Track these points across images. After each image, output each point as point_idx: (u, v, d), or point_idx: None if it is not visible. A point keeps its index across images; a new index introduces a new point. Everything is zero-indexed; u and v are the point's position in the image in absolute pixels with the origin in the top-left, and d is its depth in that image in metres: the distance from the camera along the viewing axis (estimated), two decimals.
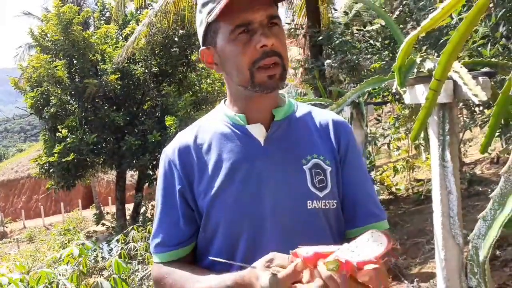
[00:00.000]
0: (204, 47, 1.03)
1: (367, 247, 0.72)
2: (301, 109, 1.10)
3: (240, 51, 0.95)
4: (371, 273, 0.69)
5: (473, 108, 4.21)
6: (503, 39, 2.47)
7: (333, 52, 6.05)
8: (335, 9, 8.63)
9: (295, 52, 10.90)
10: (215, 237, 1.00)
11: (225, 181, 0.98)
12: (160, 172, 1.08)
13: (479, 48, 2.49)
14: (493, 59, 2.08)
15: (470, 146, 8.35)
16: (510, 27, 2.49)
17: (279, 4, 1.01)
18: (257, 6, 0.94)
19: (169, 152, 1.06)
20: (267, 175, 0.98)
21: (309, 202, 0.98)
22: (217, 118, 1.07)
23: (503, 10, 2.44)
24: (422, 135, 3.40)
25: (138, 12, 11.14)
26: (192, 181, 1.02)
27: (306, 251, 0.76)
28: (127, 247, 3.62)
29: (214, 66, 1.03)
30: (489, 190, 5.69)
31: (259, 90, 0.97)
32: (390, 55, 4.57)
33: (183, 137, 1.07)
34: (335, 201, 1.01)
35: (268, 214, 0.97)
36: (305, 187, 0.98)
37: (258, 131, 1.02)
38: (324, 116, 1.10)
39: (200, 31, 1.03)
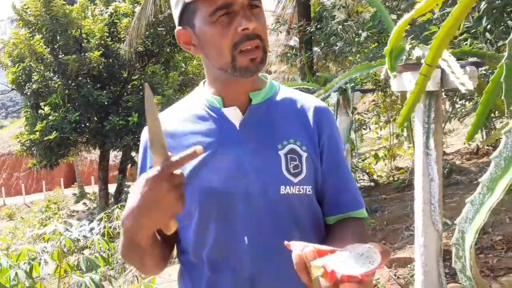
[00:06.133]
0: (180, 28, 0.99)
1: (358, 261, 0.71)
2: (283, 92, 1.08)
3: (221, 34, 0.92)
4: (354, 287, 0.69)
5: (455, 99, 4.28)
6: (487, 33, 2.48)
7: (321, 42, 6.20)
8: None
9: (281, 37, 10.83)
10: (189, 220, 0.99)
11: (199, 165, 0.97)
12: (139, 151, 1.10)
13: (465, 43, 2.51)
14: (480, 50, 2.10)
15: (451, 136, 8.50)
16: (493, 21, 2.50)
17: None
18: None
19: (146, 133, 1.06)
20: (241, 160, 0.97)
21: (283, 188, 0.97)
22: (195, 100, 1.07)
23: (486, 5, 2.44)
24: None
25: None
26: None
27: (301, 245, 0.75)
28: (111, 226, 3.60)
29: (191, 48, 1.00)
30: (468, 179, 5.82)
31: (240, 75, 0.95)
32: (376, 44, 4.59)
33: (161, 119, 1.06)
34: (310, 187, 1.01)
35: (241, 197, 0.96)
36: (279, 172, 0.98)
37: (234, 115, 1.00)
38: (306, 101, 1.08)
39: (176, 12, 0.99)
